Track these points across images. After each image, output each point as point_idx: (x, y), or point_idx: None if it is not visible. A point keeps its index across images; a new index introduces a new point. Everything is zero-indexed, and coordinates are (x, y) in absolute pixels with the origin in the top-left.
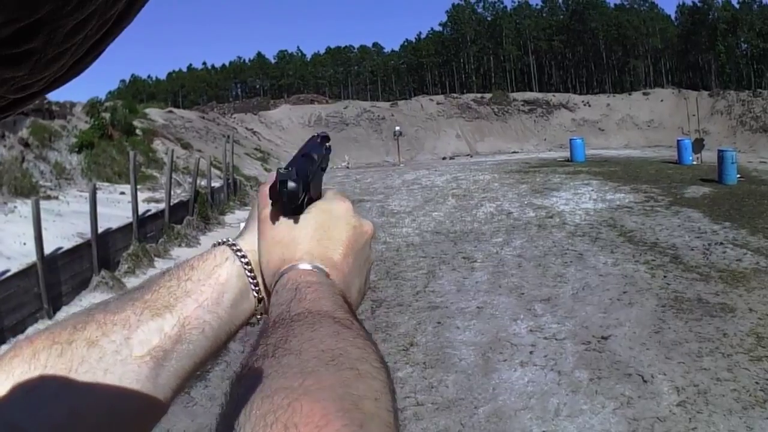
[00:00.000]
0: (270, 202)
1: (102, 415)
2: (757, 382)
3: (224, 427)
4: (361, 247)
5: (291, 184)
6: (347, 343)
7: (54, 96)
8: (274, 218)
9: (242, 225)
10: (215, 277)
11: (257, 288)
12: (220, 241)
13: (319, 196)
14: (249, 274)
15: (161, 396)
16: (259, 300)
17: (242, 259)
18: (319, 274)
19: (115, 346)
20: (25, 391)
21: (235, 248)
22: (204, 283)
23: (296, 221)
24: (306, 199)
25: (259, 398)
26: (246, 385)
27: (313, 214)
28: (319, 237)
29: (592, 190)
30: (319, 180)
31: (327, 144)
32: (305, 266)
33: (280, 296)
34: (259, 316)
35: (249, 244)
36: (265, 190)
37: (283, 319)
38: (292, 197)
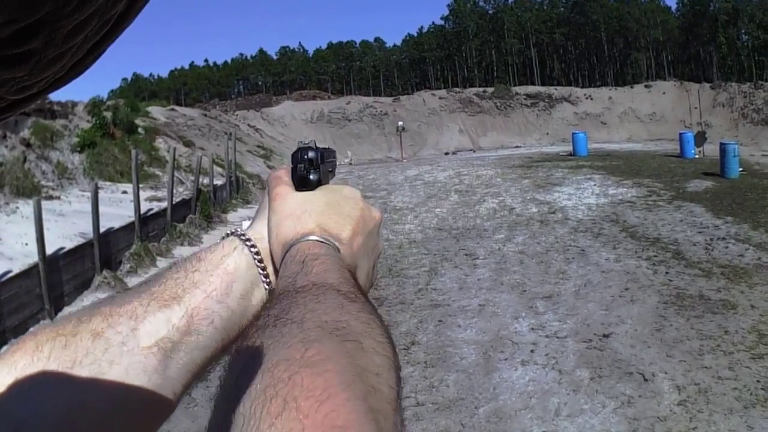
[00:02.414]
0: (283, 181)
1: (107, 407)
2: (758, 381)
3: (223, 400)
4: (369, 229)
5: (311, 153)
6: (351, 316)
7: (55, 95)
8: (286, 194)
9: (244, 222)
10: (223, 267)
11: (268, 280)
12: (229, 231)
13: None
14: (259, 264)
15: (170, 389)
16: (270, 292)
17: (251, 249)
18: (328, 247)
19: (121, 337)
20: (28, 384)
21: (244, 238)
22: (212, 274)
23: (308, 196)
24: (317, 181)
25: (260, 371)
26: (246, 355)
27: (323, 192)
28: (330, 212)
29: (595, 185)
30: (328, 177)
31: (335, 157)
32: (315, 238)
33: (288, 268)
34: None
35: (258, 233)
36: (277, 173)
37: (288, 291)
38: (312, 163)
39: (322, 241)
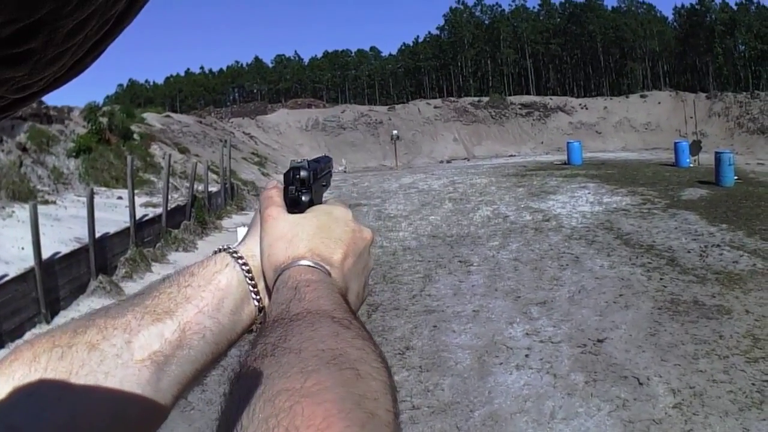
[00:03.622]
0: (274, 202)
1: (103, 418)
2: (753, 384)
3: (225, 428)
4: (360, 251)
5: (303, 172)
6: (346, 343)
7: (52, 100)
8: (278, 216)
9: (239, 229)
10: (215, 283)
11: (258, 297)
12: (220, 247)
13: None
14: (249, 281)
15: (162, 401)
16: (260, 309)
17: (243, 266)
18: (320, 272)
19: (115, 350)
20: (26, 394)
21: (235, 255)
22: (204, 289)
23: (299, 219)
24: (309, 202)
25: (261, 401)
26: (246, 385)
27: (315, 215)
28: (321, 236)
29: (589, 193)
30: (321, 193)
31: (331, 166)
32: (306, 263)
33: (281, 294)
34: (259, 324)
35: (250, 250)
36: (269, 192)
37: (283, 318)
38: (304, 183)
39: (313, 267)
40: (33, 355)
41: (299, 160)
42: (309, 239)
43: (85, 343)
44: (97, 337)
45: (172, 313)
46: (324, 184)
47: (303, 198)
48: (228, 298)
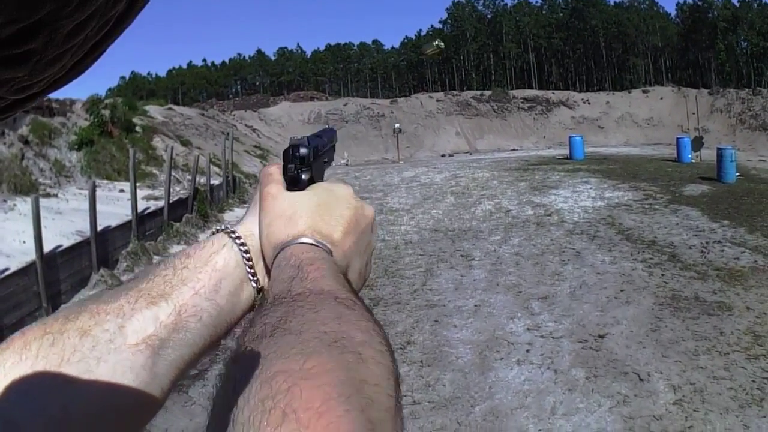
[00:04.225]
0: (274, 179)
1: (96, 405)
2: (753, 381)
3: (221, 408)
4: (362, 229)
5: (303, 150)
6: (350, 325)
7: (54, 93)
8: (277, 193)
9: None
10: (212, 264)
11: (256, 278)
12: (218, 228)
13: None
14: (247, 262)
15: (158, 386)
16: (258, 290)
17: (241, 247)
18: (321, 251)
19: (108, 335)
20: (17, 382)
21: (233, 235)
22: (200, 271)
23: (299, 197)
24: (309, 180)
25: (258, 382)
26: (244, 365)
27: (315, 192)
28: (321, 213)
29: (591, 188)
30: (322, 170)
31: (335, 139)
32: (307, 240)
33: (282, 272)
34: (259, 306)
35: (248, 230)
36: (269, 170)
37: (284, 298)
38: (303, 161)
39: (314, 244)
40: (24, 342)
41: (299, 137)
42: (309, 217)
43: (76, 329)
44: (89, 322)
45: (167, 296)
46: (326, 160)
47: (303, 176)
48: (226, 279)
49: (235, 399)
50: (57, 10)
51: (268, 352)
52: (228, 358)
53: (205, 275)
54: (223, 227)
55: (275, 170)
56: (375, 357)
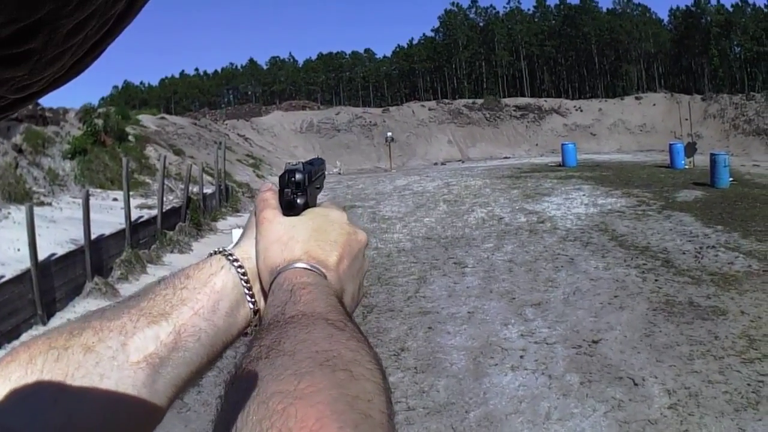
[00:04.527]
0: (269, 205)
1: (98, 420)
2: (749, 384)
3: (221, 428)
4: (355, 253)
5: (298, 175)
6: (340, 345)
7: (47, 102)
8: (273, 218)
9: (234, 231)
10: (211, 286)
11: (253, 299)
12: (216, 249)
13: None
14: (245, 284)
15: (158, 402)
16: (255, 312)
17: (239, 269)
18: (316, 275)
19: (111, 352)
20: (22, 396)
21: (231, 258)
22: (200, 291)
23: (295, 222)
24: (304, 205)
25: (255, 403)
26: (241, 388)
27: (310, 217)
28: (316, 238)
29: (584, 195)
30: (315, 195)
31: (324, 168)
32: (302, 265)
33: (276, 297)
34: (254, 326)
35: (245, 252)
36: (264, 195)
37: (278, 321)
38: (299, 186)
39: (309, 269)
40: (29, 356)
41: (294, 163)
42: (305, 242)
43: (80, 345)
44: (93, 339)
45: (168, 316)
46: (318, 186)
47: (298, 201)
48: (223, 300)
49: (234, 420)
50: (57, 10)
51: (264, 373)
52: (227, 380)
53: (203, 296)
54: (221, 249)
55: (270, 195)
56: (365, 374)
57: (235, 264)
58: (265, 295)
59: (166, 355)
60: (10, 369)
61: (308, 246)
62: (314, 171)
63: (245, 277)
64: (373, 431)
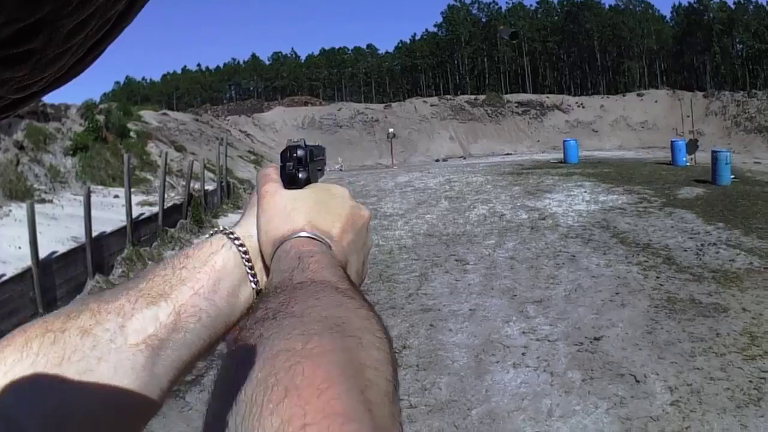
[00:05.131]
0: (271, 179)
1: (96, 404)
2: (750, 381)
3: (223, 387)
4: (359, 227)
5: (300, 151)
6: (351, 312)
7: (49, 98)
8: (275, 192)
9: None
10: (211, 264)
11: (255, 278)
12: (216, 229)
13: None
14: (246, 262)
15: (157, 386)
16: (257, 291)
17: (240, 247)
18: (321, 245)
19: (109, 334)
20: (17, 380)
21: (232, 236)
22: (200, 271)
23: (297, 194)
24: (306, 180)
25: (261, 360)
26: (246, 346)
27: (313, 190)
28: (320, 210)
29: (585, 192)
30: (317, 175)
31: (325, 155)
32: (307, 234)
33: (282, 263)
34: None
35: (246, 231)
36: (266, 171)
37: (285, 286)
38: (300, 161)
39: (313, 238)
40: (25, 340)
41: (296, 140)
42: (307, 212)
43: (77, 327)
44: (90, 321)
45: (167, 296)
46: (319, 168)
47: (300, 175)
48: (224, 279)
49: (237, 377)
50: (57, 10)
51: (271, 333)
52: (231, 340)
53: (204, 275)
54: (221, 228)
55: (272, 171)
56: (374, 343)
57: (236, 242)
58: (268, 273)
59: (166, 337)
60: (5, 353)
61: (311, 216)
62: (315, 152)
63: (246, 256)
64: (379, 398)
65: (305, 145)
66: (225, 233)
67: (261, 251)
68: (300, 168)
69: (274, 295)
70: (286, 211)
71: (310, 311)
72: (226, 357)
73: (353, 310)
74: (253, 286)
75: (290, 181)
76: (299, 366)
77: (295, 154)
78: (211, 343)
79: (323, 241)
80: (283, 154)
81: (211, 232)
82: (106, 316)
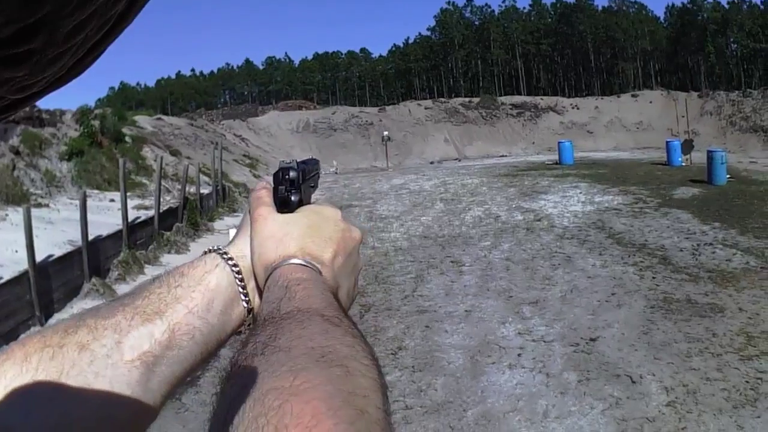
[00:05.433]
0: (264, 202)
1: (93, 418)
2: (747, 381)
3: (217, 426)
4: (350, 250)
5: (292, 173)
6: (336, 341)
7: (44, 104)
8: (268, 215)
9: (231, 231)
10: (205, 284)
11: (247, 298)
12: (210, 248)
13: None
14: (239, 282)
15: (151, 401)
16: (249, 310)
17: (233, 267)
18: (311, 271)
19: (105, 350)
20: (17, 394)
21: (225, 256)
22: (194, 290)
23: (289, 218)
24: (298, 202)
25: (251, 400)
26: (237, 384)
27: (304, 214)
28: (311, 234)
29: (581, 193)
30: (309, 194)
31: (319, 168)
32: (297, 261)
33: (271, 293)
34: (249, 325)
35: (240, 251)
36: (258, 193)
37: (273, 317)
38: (293, 184)
39: (304, 265)
40: (24, 354)
41: (288, 161)
42: (299, 238)
43: (75, 343)
44: (88, 337)
45: (162, 314)
46: (312, 185)
47: (293, 198)
48: (218, 298)
49: (230, 416)
50: (57, 10)
51: (260, 370)
52: (223, 377)
53: (198, 294)
54: (215, 248)
55: (265, 193)
56: (361, 370)
57: (230, 262)
58: (260, 293)
59: (161, 354)
60: (5, 367)
61: (303, 242)
62: (308, 170)
63: (240, 276)
64: (369, 427)
65: (297, 165)
66: (219, 253)
67: (254, 274)
68: (292, 191)
69: (262, 328)
70: (278, 237)
71: (297, 343)
72: (219, 394)
73: (338, 338)
74: (245, 305)
75: (282, 204)
76: (287, 404)
77: (287, 176)
78: (203, 359)
79: (313, 267)
80: (275, 176)
81: (205, 250)
82: (103, 332)
